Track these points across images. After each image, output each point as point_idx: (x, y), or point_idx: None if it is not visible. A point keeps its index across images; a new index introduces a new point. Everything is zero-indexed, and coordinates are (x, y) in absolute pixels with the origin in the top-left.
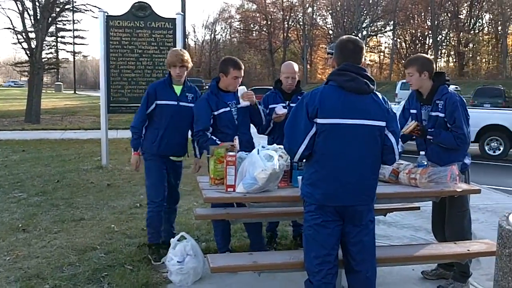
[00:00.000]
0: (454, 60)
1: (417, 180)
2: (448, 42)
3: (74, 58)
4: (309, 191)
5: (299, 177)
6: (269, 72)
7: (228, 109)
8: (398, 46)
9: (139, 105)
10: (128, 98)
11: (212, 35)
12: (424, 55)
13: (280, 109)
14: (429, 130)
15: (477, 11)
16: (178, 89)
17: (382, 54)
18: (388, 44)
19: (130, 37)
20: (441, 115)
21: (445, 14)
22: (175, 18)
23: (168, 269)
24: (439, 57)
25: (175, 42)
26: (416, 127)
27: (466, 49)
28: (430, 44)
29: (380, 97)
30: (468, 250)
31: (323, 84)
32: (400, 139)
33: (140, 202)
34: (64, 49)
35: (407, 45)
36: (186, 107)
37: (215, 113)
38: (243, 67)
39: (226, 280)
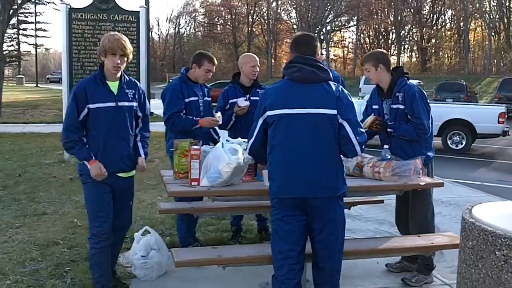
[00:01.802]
0: (417, 55)
1: (381, 174)
2: (411, 38)
3: (36, 51)
4: (269, 185)
5: (264, 170)
6: (233, 66)
7: (196, 98)
8: (362, 41)
9: None
10: None
11: (176, 29)
12: (378, 50)
13: (242, 102)
14: (389, 123)
15: (440, 7)
16: (114, 86)
17: (346, 49)
18: (352, 39)
19: (93, 30)
20: (401, 107)
21: (408, 10)
22: (139, 11)
23: (132, 264)
24: (402, 52)
25: (139, 35)
26: (375, 121)
27: (429, 44)
28: (393, 40)
29: (334, 86)
30: (432, 243)
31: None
32: (363, 131)
33: None
34: (26, 42)
35: (371, 40)
36: (128, 107)
37: (186, 100)
38: (216, 63)
39: (191, 275)
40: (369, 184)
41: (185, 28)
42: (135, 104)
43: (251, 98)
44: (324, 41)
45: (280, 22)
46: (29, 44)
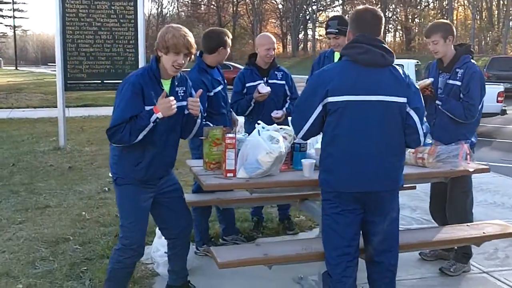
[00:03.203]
0: (401, 35)
1: (425, 160)
2: (395, 17)
3: (14, 33)
4: (325, 178)
5: (304, 160)
6: None
7: (222, 86)
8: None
9: (98, 81)
10: (86, 74)
11: (159, 9)
12: (443, 20)
13: (263, 88)
14: (439, 95)
15: None
16: (166, 84)
17: None
18: None
19: (87, 9)
20: (458, 83)
21: None
22: None
23: (155, 261)
24: (387, 32)
25: (137, 15)
26: (430, 84)
27: (413, 24)
28: None
29: (400, 71)
30: (484, 232)
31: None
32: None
33: (107, 185)
34: (1, 23)
35: None
36: (179, 108)
37: (211, 93)
38: None
39: (217, 270)
40: (414, 171)
41: (168, 8)
42: (184, 103)
43: (269, 81)
44: (310, 21)
45: (265, 2)
46: (6, 26)
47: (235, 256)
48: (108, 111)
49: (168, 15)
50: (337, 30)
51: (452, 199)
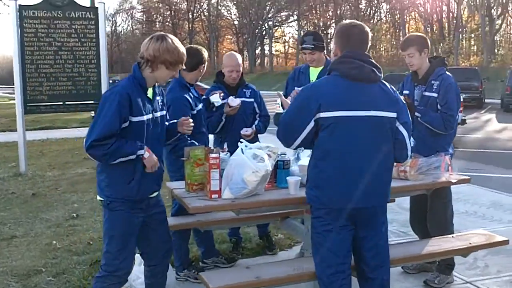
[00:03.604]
0: None
1: (407, 173)
2: None
3: None
4: (315, 194)
5: (289, 178)
6: None
7: (202, 104)
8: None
9: (60, 103)
10: (47, 96)
11: (113, 27)
12: (417, 34)
13: (233, 101)
14: (418, 107)
15: (376, 1)
16: (149, 93)
17: (287, 44)
18: (292, 34)
19: (47, 28)
20: (434, 95)
21: (347, 4)
22: (97, 7)
23: None
24: None
25: (98, 33)
26: (406, 99)
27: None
28: (332, 34)
29: (389, 86)
30: (470, 243)
31: (325, 75)
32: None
33: (75, 211)
34: None
35: None
36: (161, 117)
37: (194, 111)
38: None
39: None
40: (397, 184)
41: (122, 26)
42: (164, 113)
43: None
44: (267, 37)
45: (221, 18)
46: None
47: (227, 280)
48: (67, 133)
49: (122, 33)
50: (312, 46)
51: (433, 211)
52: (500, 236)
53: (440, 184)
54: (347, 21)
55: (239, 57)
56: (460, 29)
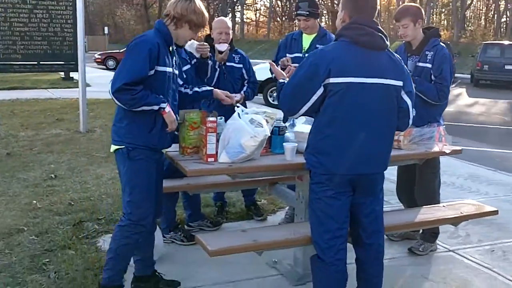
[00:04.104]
0: (326, 19)
1: (401, 142)
2: (322, 2)
3: None
4: (318, 160)
5: (286, 144)
6: (143, 28)
7: (189, 66)
8: (274, 4)
9: (34, 63)
10: (21, 55)
11: None
12: (412, 4)
13: (221, 46)
14: (412, 77)
15: None
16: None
17: (258, 12)
18: (264, 2)
19: None
20: (429, 65)
21: None
22: None
23: None
24: None
25: None
26: None
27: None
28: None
29: (396, 55)
30: (461, 212)
31: (333, 41)
32: None
33: (53, 172)
34: None
35: (283, 4)
36: (176, 75)
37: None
38: None
39: (189, 257)
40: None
41: None
42: (177, 72)
43: (226, 63)
44: (238, 4)
45: None
46: None
47: (226, 243)
48: (37, 94)
49: None
50: (307, 12)
51: (422, 180)
52: (489, 206)
53: (433, 154)
54: None
55: (228, 21)
56: (432, 4)
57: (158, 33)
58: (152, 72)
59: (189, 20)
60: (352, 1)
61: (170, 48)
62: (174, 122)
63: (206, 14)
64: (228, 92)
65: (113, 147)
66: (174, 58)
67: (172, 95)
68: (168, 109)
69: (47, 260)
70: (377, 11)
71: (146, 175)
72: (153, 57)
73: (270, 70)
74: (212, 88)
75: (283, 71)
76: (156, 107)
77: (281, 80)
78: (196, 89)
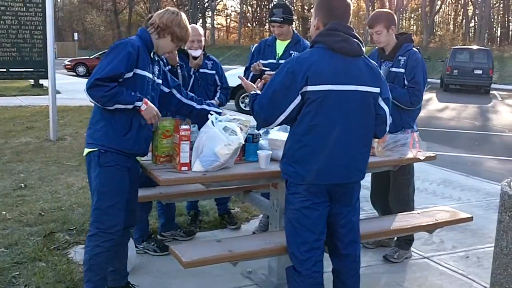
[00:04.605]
0: (297, 24)
1: (375, 149)
2: (293, 7)
3: None
4: (295, 170)
5: (260, 152)
6: (113, 34)
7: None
8: (244, 10)
9: (3, 70)
10: None
11: None
12: (384, 10)
13: (195, 52)
14: None
15: None
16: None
17: (229, 17)
18: (234, 8)
19: None
20: (402, 70)
21: None
22: None
23: None
24: None
25: None
26: None
27: (309, 13)
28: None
29: (372, 61)
30: (436, 219)
31: (309, 48)
32: None
33: (22, 181)
34: None
35: (253, 9)
36: (157, 84)
37: None
38: None
39: (162, 268)
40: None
41: None
42: (161, 82)
43: (200, 70)
44: (209, 9)
45: None
46: None
47: (200, 254)
48: (6, 101)
49: (59, 0)
50: (282, 19)
51: (396, 187)
52: (463, 213)
53: (407, 161)
54: None
55: (200, 28)
56: (401, 9)
57: (140, 39)
58: (130, 74)
59: (172, 32)
60: (325, 8)
61: (152, 55)
62: (153, 117)
63: (190, 30)
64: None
65: (86, 150)
66: (157, 67)
67: (151, 101)
68: (144, 106)
69: (17, 273)
70: (350, 17)
71: (116, 182)
72: (132, 59)
73: (244, 75)
74: (221, 111)
75: (255, 76)
76: (130, 106)
77: (252, 92)
78: (205, 106)
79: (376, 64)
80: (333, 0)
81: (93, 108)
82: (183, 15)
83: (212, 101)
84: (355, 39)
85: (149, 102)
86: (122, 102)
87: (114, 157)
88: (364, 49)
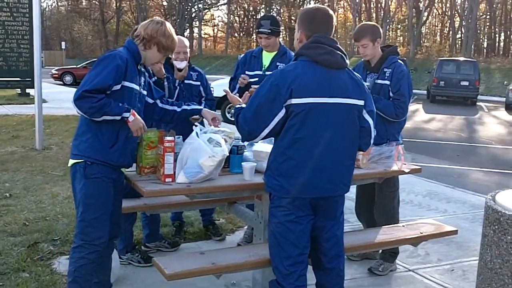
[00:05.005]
0: (284, 34)
1: (360, 161)
2: (280, 18)
3: None
4: (280, 183)
5: (244, 164)
6: (101, 43)
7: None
8: (232, 20)
9: None
10: None
11: None
12: (370, 23)
13: (179, 63)
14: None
15: None
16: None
17: (216, 27)
18: (222, 18)
19: None
20: (387, 82)
21: None
22: None
23: None
24: None
25: (31, 8)
26: None
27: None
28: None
29: (357, 73)
30: (421, 232)
31: (292, 61)
32: None
33: (7, 191)
34: None
35: (240, 19)
36: (143, 96)
37: None
38: None
39: (146, 279)
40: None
41: (47, 3)
42: (145, 93)
43: (185, 81)
44: (196, 19)
45: None
46: None
47: (184, 266)
48: None
49: (47, 9)
50: (269, 30)
51: (380, 199)
52: (448, 226)
53: (392, 173)
54: (311, 5)
55: (185, 40)
56: (388, 20)
57: (128, 51)
58: (118, 86)
59: (158, 42)
60: (307, 20)
61: (139, 67)
62: (139, 130)
63: (176, 39)
64: (216, 114)
65: (71, 161)
66: (143, 78)
67: (137, 113)
68: (132, 117)
69: (0, 284)
70: (333, 29)
71: (101, 194)
72: (121, 71)
73: (229, 85)
74: (202, 108)
75: (242, 88)
76: (118, 117)
77: (238, 106)
78: (185, 107)
79: (360, 77)
80: (315, 12)
81: (80, 119)
82: (168, 24)
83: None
84: (338, 52)
85: (136, 114)
86: (110, 113)
87: (100, 169)
88: (348, 61)
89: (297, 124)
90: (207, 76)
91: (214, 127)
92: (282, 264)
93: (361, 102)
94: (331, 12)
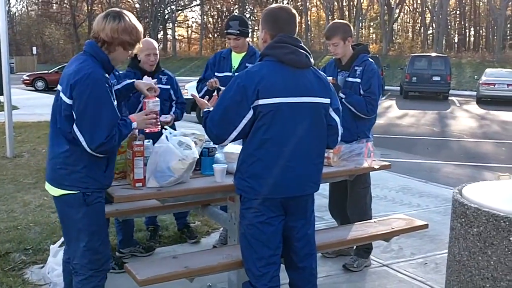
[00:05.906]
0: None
1: (330, 159)
2: (254, 18)
3: None
4: (250, 185)
5: (215, 165)
6: (73, 48)
7: None
8: (205, 21)
9: None
10: None
11: (7, 8)
12: (341, 21)
13: (147, 79)
14: (342, 89)
15: None
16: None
17: (190, 29)
18: (195, 19)
19: None
20: (358, 80)
21: None
22: None
23: (51, 281)
24: None
25: None
26: (332, 81)
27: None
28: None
29: (320, 72)
30: (392, 227)
31: (257, 61)
32: None
33: None
34: None
35: (214, 20)
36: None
37: None
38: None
39: (121, 285)
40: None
41: (16, 7)
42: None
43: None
44: (170, 21)
45: (121, 1)
46: None
47: (156, 271)
48: None
49: (16, 14)
50: (238, 31)
51: (353, 196)
52: (419, 220)
53: (362, 170)
54: (274, 5)
55: (155, 42)
56: (360, 18)
57: (97, 62)
58: None
59: (122, 41)
60: (271, 20)
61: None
62: (148, 122)
63: (140, 27)
64: (152, 84)
65: (59, 192)
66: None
67: None
68: (134, 124)
69: None
70: (297, 28)
71: (101, 217)
72: (111, 93)
73: (197, 86)
74: (134, 80)
75: (209, 91)
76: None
77: (205, 109)
78: (118, 86)
79: (325, 75)
80: (279, 11)
81: (63, 144)
82: (126, 14)
83: (168, 116)
84: (303, 51)
85: (132, 117)
86: (125, 136)
87: (97, 194)
88: (312, 60)
89: (265, 125)
90: (182, 77)
91: (151, 98)
92: (255, 266)
93: (327, 100)
94: (294, 11)
